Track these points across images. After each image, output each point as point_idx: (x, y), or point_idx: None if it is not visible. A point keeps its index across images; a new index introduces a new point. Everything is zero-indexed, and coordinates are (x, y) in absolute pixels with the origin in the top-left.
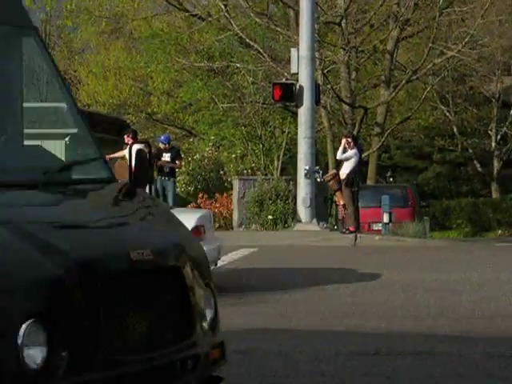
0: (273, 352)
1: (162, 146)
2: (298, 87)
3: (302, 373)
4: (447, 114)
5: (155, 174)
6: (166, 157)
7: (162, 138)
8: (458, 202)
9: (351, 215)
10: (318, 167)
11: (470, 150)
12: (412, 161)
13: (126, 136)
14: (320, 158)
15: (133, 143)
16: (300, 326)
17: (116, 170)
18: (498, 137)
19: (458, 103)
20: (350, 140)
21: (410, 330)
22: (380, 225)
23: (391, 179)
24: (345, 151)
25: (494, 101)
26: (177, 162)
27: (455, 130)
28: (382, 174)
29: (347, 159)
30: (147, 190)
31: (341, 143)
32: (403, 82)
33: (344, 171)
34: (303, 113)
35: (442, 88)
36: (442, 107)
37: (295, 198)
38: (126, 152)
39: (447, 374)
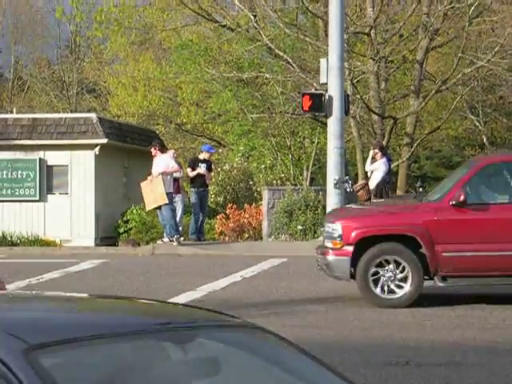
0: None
1: (207, 155)
2: (327, 97)
3: None
4: (477, 123)
5: (186, 184)
6: (202, 167)
7: (208, 147)
8: None
9: None
10: (347, 177)
11: None
12: (442, 171)
13: (152, 148)
14: (350, 168)
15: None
16: (329, 337)
17: (146, 189)
18: None
19: (488, 113)
20: (377, 151)
21: (440, 340)
22: None
23: (421, 189)
24: (373, 162)
25: None
26: (210, 173)
27: (485, 139)
28: (412, 185)
29: (375, 170)
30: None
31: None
32: (433, 91)
33: (373, 181)
34: (332, 123)
35: (472, 98)
36: (472, 117)
37: (324, 208)
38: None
39: None
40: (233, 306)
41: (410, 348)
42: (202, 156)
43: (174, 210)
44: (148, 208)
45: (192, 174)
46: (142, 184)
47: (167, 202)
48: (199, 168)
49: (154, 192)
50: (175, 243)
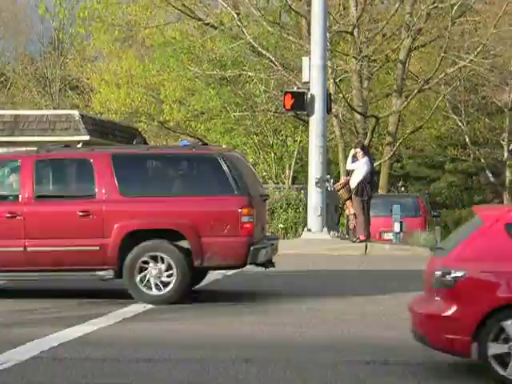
0: (281, 361)
1: None
2: (309, 96)
3: (310, 381)
4: (459, 123)
5: None
6: None
7: (185, 142)
8: (470, 211)
9: (361, 224)
10: (328, 176)
11: (482, 160)
12: (424, 170)
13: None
14: (332, 167)
15: None
16: (309, 335)
17: None
18: (511, 147)
19: (471, 113)
20: (358, 150)
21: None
22: (391, 234)
23: (403, 189)
24: (354, 161)
25: (506, 111)
26: None
27: (467, 139)
28: (394, 184)
29: (357, 169)
30: None
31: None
32: (415, 91)
33: (354, 180)
34: (314, 121)
35: (455, 98)
36: (455, 117)
37: (306, 206)
38: None
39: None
40: (213, 304)
41: (388, 347)
42: None
43: None
44: None
45: None
46: None
47: None
48: None
49: None
50: None
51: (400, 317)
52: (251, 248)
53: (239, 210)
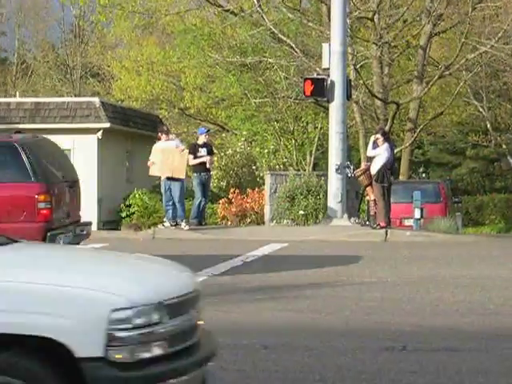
0: (300, 347)
1: (202, 137)
2: (329, 82)
3: (328, 367)
4: (480, 109)
5: (189, 170)
6: (202, 151)
7: (202, 130)
8: (492, 197)
9: (381, 211)
10: (348, 162)
11: (504, 146)
12: (445, 156)
13: (160, 134)
14: (353, 153)
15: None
16: (329, 321)
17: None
18: None
19: (492, 99)
20: (379, 136)
21: (439, 325)
22: (411, 220)
23: (424, 175)
24: (375, 147)
25: None
26: (210, 157)
27: (489, 125)
28: (416, 170)
29: (378, 155)
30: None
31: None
32: (436, 77)
33: (374, 167)
34: (334, 108)
35: (476, 83)
36: (476, 103)
37: (326, 193)
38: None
39: (474, 370)
40: (231, 291)
41: (407, 333)
42: (199, 141)
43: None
44: (155, 173)
45: (194, 162)
46: (162, 149)
47: (183, 177)
48: (200, 154)
49: (173, 162)
50: (186, 227)
51: (419, 303)
52: (48, 234)
53: (36, 196)
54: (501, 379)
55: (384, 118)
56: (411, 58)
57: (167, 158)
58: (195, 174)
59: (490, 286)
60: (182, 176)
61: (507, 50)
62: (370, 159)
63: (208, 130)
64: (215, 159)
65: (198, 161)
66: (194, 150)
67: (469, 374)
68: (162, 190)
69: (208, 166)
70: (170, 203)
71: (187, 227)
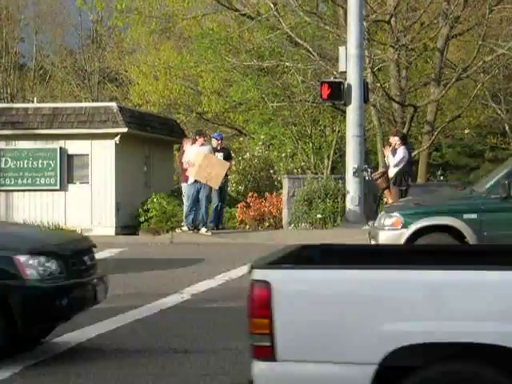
0: None
1: (214, 142)
2: (346, 86)
3: None
4: (498, 111)
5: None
6: (219, 156)
7: (216, 134)
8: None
9: None
10: (366, 165)
11: None
12: (464, 159)
13: (198, 137)
14: (371, 156)
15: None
16: None
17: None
18: None
19: (510, 101)
20: (397, 139)
21: None
22: None
23: (442, 178)
24: (394, 154)
25: None
26: (229, 161)
27: (507, 128)
28: (434, 173)
29: (400, 162)
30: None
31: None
32: (453, 79)
33: (392, 170)
34: (351, 111)
35: (493, 86)
36: (494, 105)
37: (344, 196)
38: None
39: None
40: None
41: None
42: (214, 143)
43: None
44: (192, 175)
45: None
46: (203, 154)
47: (216, 187)
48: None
49: (210, 170)
50: (207, 232)
51: None
52: None
53: None
54: None
55: (401, 120)
56: (428, 60)
57: (207, 164)
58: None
59: None
60: (216, 186)
61: None
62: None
63: (220, 136)
64: (233, 163)
65: None
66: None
67: None
68: (186, 195)
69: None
70: (193, 208)
71: (209, 232)
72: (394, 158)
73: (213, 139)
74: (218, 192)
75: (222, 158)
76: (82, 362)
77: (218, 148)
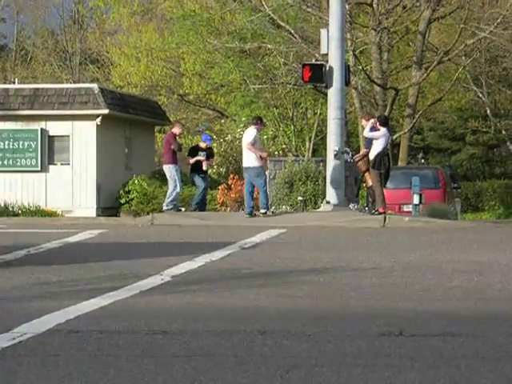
0: (297, 333)
1: (203, 144)
2: (327, 68)
3: (324, 353)
4: (480, 95)
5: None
6: (202, 155)
7: (206, 137)
8: (491, 183)
9: (379, 197)
10: (347, 148)
11: (504, 132)
12: (445, 142)
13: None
14: (352, 139)
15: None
16: (324, 307)
17: None
18: None
19: (491, 84)
20: (377, 121)
21: (436, 311)
22: (410, 206)
23: (423, 161)
24: (372, 130)
25: None
26: (210, 159)
27: (488, 111)
28: (415, 156)
29: (374, 138)
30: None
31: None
32: (435, 63)
33: (372, 153)
34: (333, 94)
35: (475, 69)
36: (475, 88)
37: (325, 179)
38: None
39: (471, 356)
40: (229, 277)
41: (404, 319)
42: (202, 145)
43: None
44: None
45: (191, 160)
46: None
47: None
48: (199, 156)
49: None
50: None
51: (416, 288)
52: None
53: None
54: (497, 364)
55: (383, 103)
56: (410, 43)
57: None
58: (191, 174)
59: (487, 272)
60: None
61: (506, 35)
62: (369, 145)
63: (210, 142)
64: (213, 160)
65: (194, 160)
66: (193, 151)
67: (465, 359)
68: (174, 177)
69: (204, 168)
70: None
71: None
72: (370, 132)
73: (203, 142)
74: (205, 176)
75: (205, 158)
76: (59, 343)
77: (205, 148)
